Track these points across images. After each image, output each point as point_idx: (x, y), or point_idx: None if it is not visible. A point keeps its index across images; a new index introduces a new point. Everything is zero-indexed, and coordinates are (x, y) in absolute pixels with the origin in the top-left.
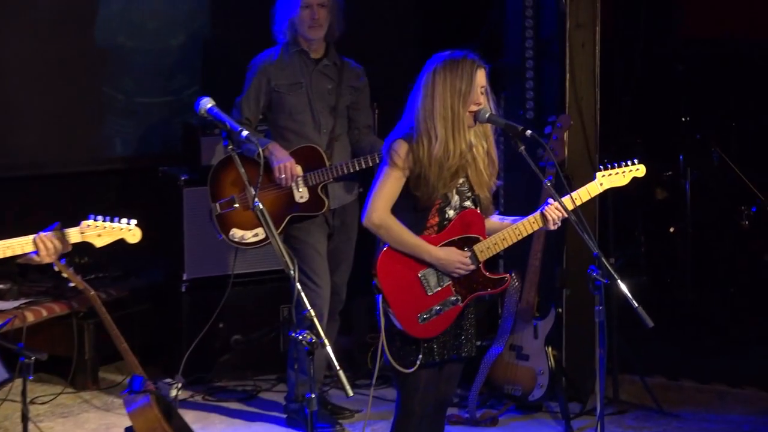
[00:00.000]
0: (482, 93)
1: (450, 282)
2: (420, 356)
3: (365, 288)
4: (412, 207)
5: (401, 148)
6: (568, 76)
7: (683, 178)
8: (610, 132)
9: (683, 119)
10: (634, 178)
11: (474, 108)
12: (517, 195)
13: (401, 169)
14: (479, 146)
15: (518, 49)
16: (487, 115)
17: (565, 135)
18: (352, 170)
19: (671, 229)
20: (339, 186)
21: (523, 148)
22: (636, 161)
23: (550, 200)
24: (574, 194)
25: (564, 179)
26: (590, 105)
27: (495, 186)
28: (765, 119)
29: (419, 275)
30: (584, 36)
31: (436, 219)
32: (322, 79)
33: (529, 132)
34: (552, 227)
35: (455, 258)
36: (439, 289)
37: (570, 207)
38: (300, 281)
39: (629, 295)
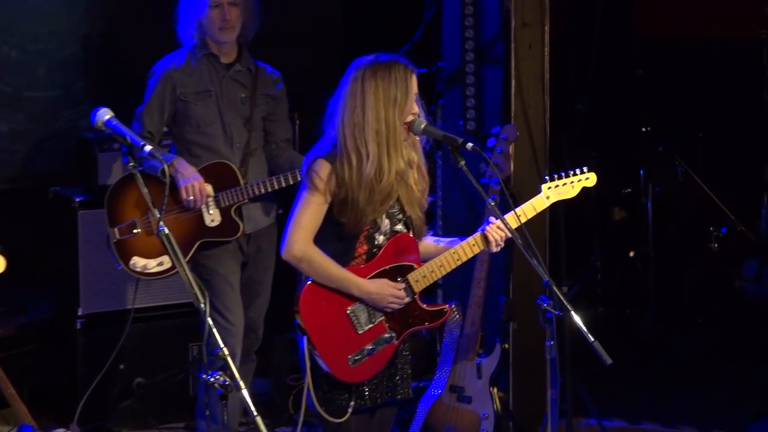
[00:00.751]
0: (415, 102)
1: (383, 318)
2: (351, 402)
3: (286, 323)
4: (337, 235)
5: (323, 169)
6: (513, 81)
7: (644, 196)
8: (562, 144)
9: (644, 129)
10: (588, 192)
11: (410, 118)
12: (457, 215)
13: (323, 193)
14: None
15: (456, 51)
16: (422, 126)
17: (511, 148)
18: (269, 189)
19: (631, 254)
20: (255, 207)
21: (463, 163)
22: (585, 169)
23: (492, 219)
24: (518, 210)
25: (510, 197)
26: (539, 114)
27: (427, 203)
28: (735, 128)
29: (348, 312)
30: (531, 36)
31: (365, 247)
32: (235, 86)
33: (469, 145)
34: (495, 249)
35: (388, 290)
36: (371, 326)
37: (514, 225)
38: (210, 316)
39: (584, 328)
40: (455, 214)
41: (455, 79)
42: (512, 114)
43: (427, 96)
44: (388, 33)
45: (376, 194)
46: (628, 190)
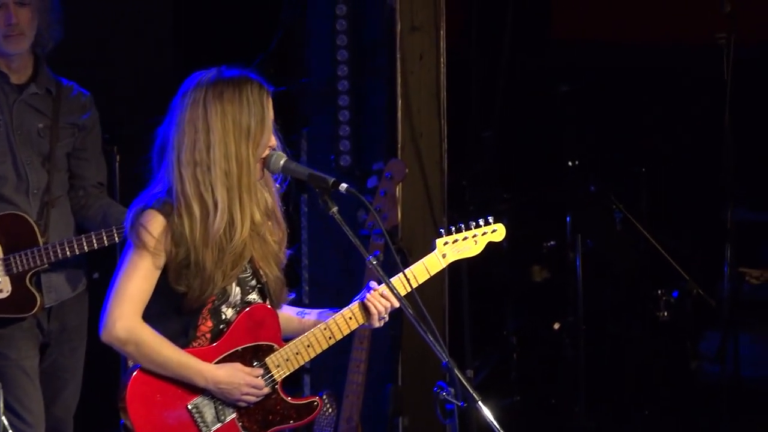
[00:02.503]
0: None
1: (235, 414)
2: None
3: (107, 423)
4: (174, 309)
5: (154, 222)
6: (400, 102)
7: (571, 251)
8: (464, 184)
9: (570, 163)
10: (498, 247)
11: (266, 154)
12: (328, 277)
13: (155, 254)
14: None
15: (326, 63)
16: (281, 163)
17: (398, 189)
18: (77, 252)
19: (555, 326)
20: (57, 275)
21: (335, 209)
22: (491, 219)
23: (373, 283)
24: (408, 271)
25: (397, 254)
26: (433, 144)
27: (285, 258)
28: (689, 162)
29: (189, 407)
30: (423, 43)
31: (209, 324)
32: (30, 113)
33: (344, 186)
34: (377, 323)
35: (241, 378)
36: (220, 425)
37: (403, 291)
38: (4, 416)
39: (496, 424)
40: (326, 275)
41: (324, 99)
42: (399, 145)
43: (286, 122)
44: (236, 39)
45: (226, 255)
46: (551, 243)
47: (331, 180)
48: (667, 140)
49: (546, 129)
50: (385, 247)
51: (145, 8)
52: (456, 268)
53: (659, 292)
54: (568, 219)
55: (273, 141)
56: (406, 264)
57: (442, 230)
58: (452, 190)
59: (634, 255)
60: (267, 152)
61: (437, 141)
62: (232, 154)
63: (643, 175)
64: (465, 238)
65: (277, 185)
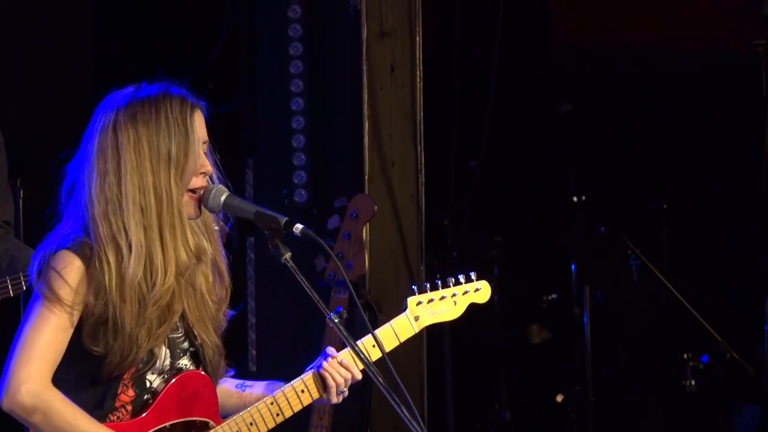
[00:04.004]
0: (205, 153)
1: None
2: None
3: None
4: (89, 375)
5: (68, 266)
6: (367, 123)
7: (577, 306)
8: (446, 224)
9: (575, 199)
10: (475, 308)
11: (198, 183)
12: (279, 339)
13: (68, 305)
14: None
15: (277, 77)
16: (223, 198)
17: (365, 231)
18: None
19: (559, 398)
20: None
21: (288, 255)
22: (473, 276)
23: (330, 350)
24: (378, 331)
25: (363, 309)
26: (408, 176)
27: (226, 320)
28: (718, 196)
29: None
30: (395, 52)
31: (131, 393)
32: None
33: (299, 227)
34: (335, 399)
35: None
36: None
37: (371, 358)
38: None
39: None
40: (277, 337)
41: (275, 121)
42: (366, 176)
43: (228, 149)
44: (168, 50)
45: (149, 308)
46: (553, 296)
47: (284, 220)
48: (692, 169)
49: (545, 156)
50: (350, 301)
51: (59, 15)
52: (437, 326)
53: (685, 356)
54: (572, 267)
55: (207, 166)
56: (376, 323)
57: (414, 287)
58: (431, 232)
59: (653, 310)
60: (201, 182)
61: (413, 171)
62: (149, 186)
63: (663, 213)
64: (442, 298)
65: (218, 226)
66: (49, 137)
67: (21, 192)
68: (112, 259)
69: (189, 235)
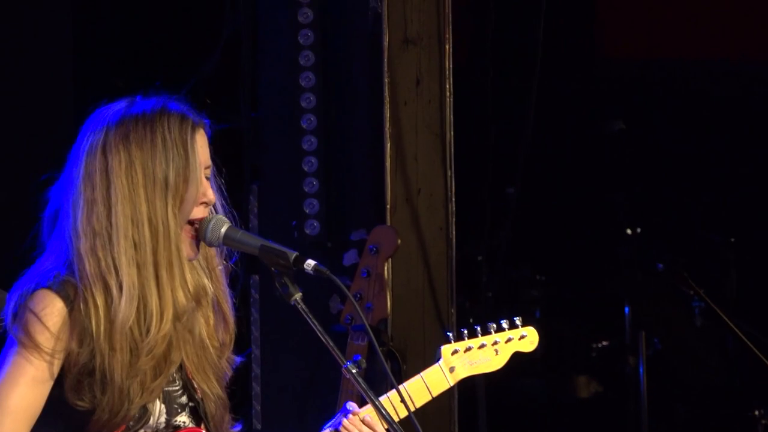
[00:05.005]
0: (207, 179)
1: None
2: None
3: None
4: None
5: (49, 309)
6: (389, 145)
7: (632, 355)
8: (480, 260)
9: (629, 231)
10: (520, 357)
11: (198, 214)
12: (288, 391)
13: (47, 353)
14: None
15: (286, 91)
16: (223, 230)
17: (387, 268)
18: None
19: None
20: None
21: (298, 295)
22: (518, 321)
23: (351, 405)
24: (402, 388)
25: (384, 359)
26: (436, 205)
27: (231, 368)
28: None
29: None
30: (421, 63)
31: None
32: None
33: (310, 264)
34: None
35: None
36: None
37: (395, 415)
38: None
39: None
40: (285, 390)
41: (283, 141)
42: (388, 206)
43: (230, 174)
44: (161, 59)
45: (142, 358)
46: (603, 343)
47: (293, 255)
48: (763, 196)
49: (593, 183)
50: (369, 350)
51: (36, 16)
52: (470, 379)
53: (757, 413)
54: (626, 311)
55: (209, 194)
56: (401, 374)
57: (450, 333)
58: (463, 269)
59: (718, 360)
60: (202, 212)
61: (441, 200)
62: (143, 217)
63: (730, 247)
64: (482, 346)
65: (221, 265)
66: (25, 162)
67: None
68: (99, 301)
69: (188, 274)
